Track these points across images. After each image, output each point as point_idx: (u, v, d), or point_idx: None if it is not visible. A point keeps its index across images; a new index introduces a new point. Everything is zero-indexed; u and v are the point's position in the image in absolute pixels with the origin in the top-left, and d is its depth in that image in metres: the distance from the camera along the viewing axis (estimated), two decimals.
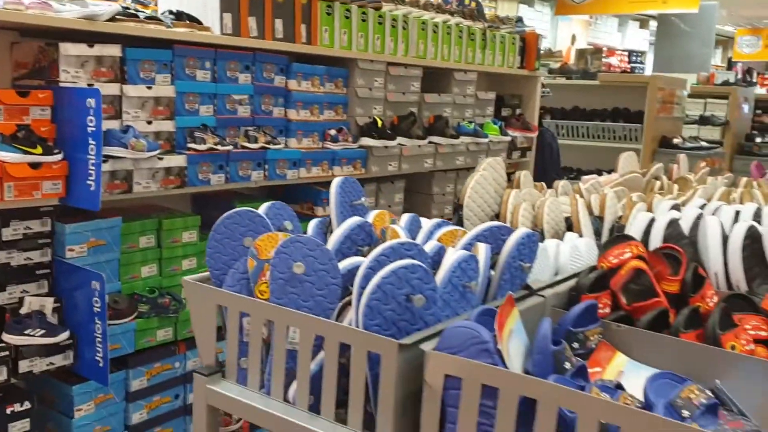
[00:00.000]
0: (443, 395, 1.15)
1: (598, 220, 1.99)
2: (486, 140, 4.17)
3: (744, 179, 2.62)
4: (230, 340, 1.38)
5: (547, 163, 4.89)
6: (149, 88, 2.62)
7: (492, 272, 1.47)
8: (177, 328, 2.75)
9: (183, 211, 3.03)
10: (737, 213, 1.84)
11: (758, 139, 7.62)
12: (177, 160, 2.67)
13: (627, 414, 0.97)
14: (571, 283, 1.56)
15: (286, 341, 1.31)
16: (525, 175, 2.26)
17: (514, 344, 1.22)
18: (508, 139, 4.41)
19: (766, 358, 1.34)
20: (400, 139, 3.55)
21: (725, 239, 1.67)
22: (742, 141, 7.58)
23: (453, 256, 1.35)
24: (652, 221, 1.74)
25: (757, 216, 1.81)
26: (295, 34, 3.10)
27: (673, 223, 1.70)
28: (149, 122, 2.65)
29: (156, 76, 2.66)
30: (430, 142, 3.78)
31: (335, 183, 1.63)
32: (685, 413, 1.07)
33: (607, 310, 1.47)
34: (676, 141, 5.74)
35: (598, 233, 1.99)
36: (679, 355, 1.30)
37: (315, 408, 1.30)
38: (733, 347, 1.30)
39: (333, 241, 1.44)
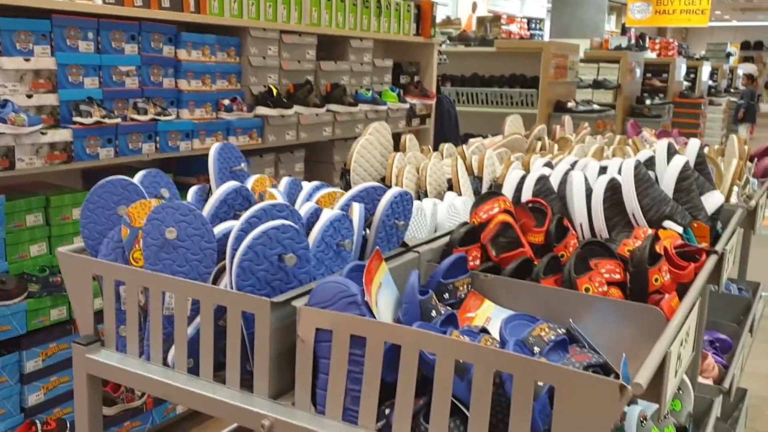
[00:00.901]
0: (315, 348, 1.19)
1: (477, 180, 2.08)
2: (385, 108, 4.23)
3: (618, 137, 2.77)
4: (107, 308, 1.38)
5: (446, 129, 4.99)
6: (27, 60, 2.53)
7: (367, 231, 1.52)
8: (71, 306, 2.70)
9: (73, 187, 2.95)
10: (603, 168, 1.96)
11: (648, 101, 8.04)
12: (62, 135, 2.60)
13: (477, 351, 1.05)
14: (447, 239, 1.63)
15: (163, 307, 1.32)
16: (410, 139, 2.32)
17: (383, 296, 1.28)
18: (407, 106, 4.48)
19: (620, 298, 1.46)
20: (296, 108, 3.55)
21: (589, 192, 1.78)
22: (633, 103, 7.97)
23: (326, 215, 1.39)
24: (523, 178, 1.83)
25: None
26: (183, 2, 3.04)
27: (542, 179, 1.80)
28: (30, 96, 2.56)
29: (34, 47, 2.56)
30: (328, 111, 3.80)
31: (213, 149, 1.64)
32: (536, 349, 1.16)
33: (478, 262, 1.55)
34: (569, 105, 5.97)
35: (478, 192, 2.08)
36: (539, 298, 1.39)
37: (195, 371, 1.32)
38: (587, 289, 1.40)
39: (209, 206, 1.45)
